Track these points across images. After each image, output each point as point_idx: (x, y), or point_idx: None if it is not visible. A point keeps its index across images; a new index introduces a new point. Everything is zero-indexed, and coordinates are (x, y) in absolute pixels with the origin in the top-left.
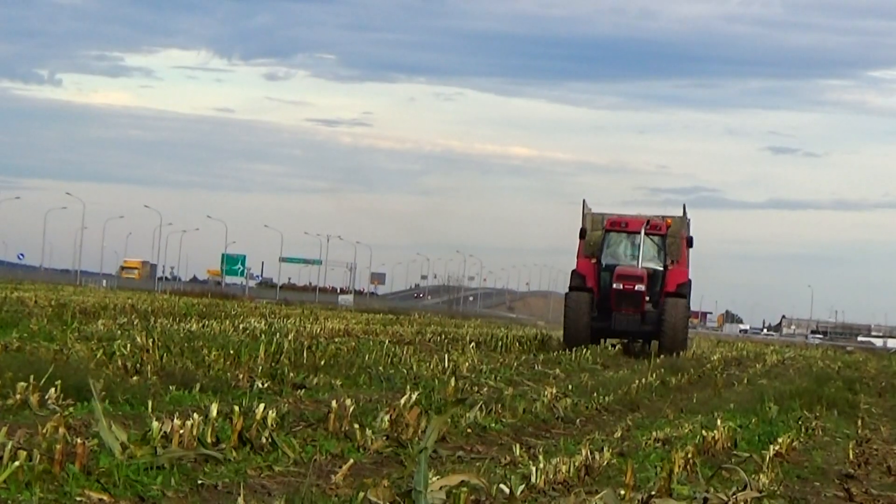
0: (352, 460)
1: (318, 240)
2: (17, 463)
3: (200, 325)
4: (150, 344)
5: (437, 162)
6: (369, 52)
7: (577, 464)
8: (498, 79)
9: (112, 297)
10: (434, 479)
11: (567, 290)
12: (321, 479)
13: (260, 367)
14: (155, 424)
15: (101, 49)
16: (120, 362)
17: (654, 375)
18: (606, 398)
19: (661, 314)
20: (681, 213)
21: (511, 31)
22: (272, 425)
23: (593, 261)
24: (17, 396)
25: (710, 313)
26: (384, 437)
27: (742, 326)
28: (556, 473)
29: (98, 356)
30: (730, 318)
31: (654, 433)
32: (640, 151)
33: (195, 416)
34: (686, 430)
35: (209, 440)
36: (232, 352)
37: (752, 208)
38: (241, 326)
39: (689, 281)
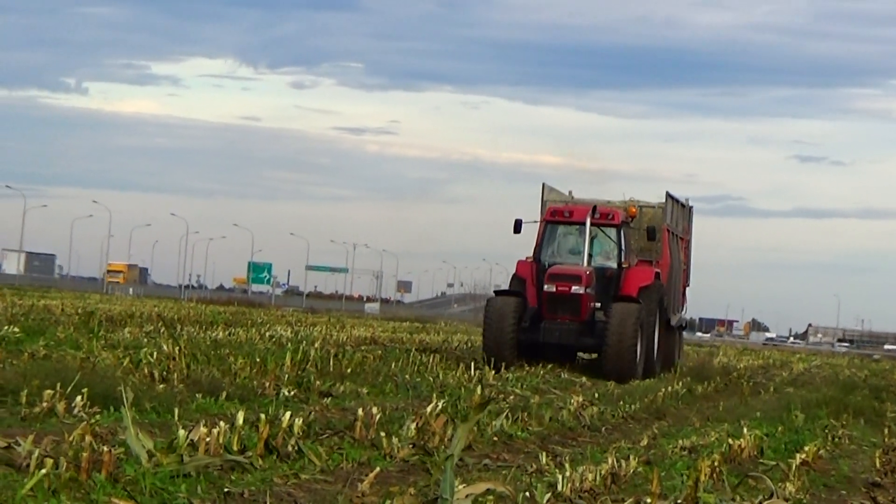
0: (378, 468)
1: (345, 248)
2: (43, 471)
3: (227, 333)
4: (177, 352)
5: (464, 170)
6: (395, 61)
7: (603, 472)
8: (524, 87)
9: (139, 306)
10: (460, 487)
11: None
12: (347, 487)
13: (286, 375)
14: (181, 432)
15: (127, 57)
16: (146, 370)
17: (680, 384)
18: (632, 406)
19: (605, 323)
20: (671, 202)
21: (537, 40)
22: (298, 433)
23: (529, 259)
24: (44, 404)
25: (737, 321)
26: (410, 446)
27: (768, 335)
28: (583, 481)
29: (125, 364)
30: (756, 326)
31: (680, 441)
32: (667, 160)
33: (221, 423)
34: (712, 439)
35: (235, 448)
36: (258, 360)
37: (779, 217)
38: (267, 334)
39: (658, 283)
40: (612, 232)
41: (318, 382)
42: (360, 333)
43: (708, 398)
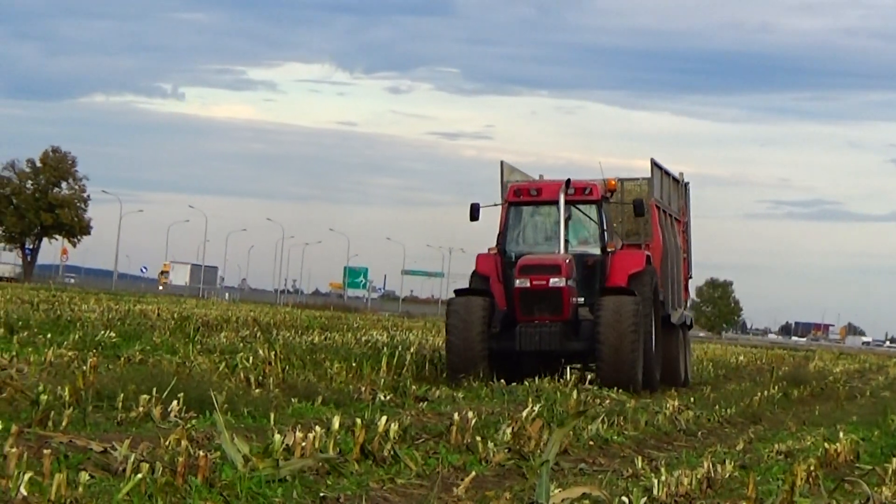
0: (474, 473)
1: (441, 252)
2: (139, 475)
3: (322, 337)
4: (273, 356)
5: (560, 175)
6: (491, 66)
7: (699, 476)
8: (619, 92)
9: (234, 310)
10: (556, 491)
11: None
12: (444, 491)
13: (382, 380)
14: (277, 437)
15: (223, 63)
16: (242, 375)
17: (776, 388)
18: (728, 410)
19: (595, 322)
20: (649, 175)
21: (631, 45)
22: (394, 438)
23: (492, 251)
24: (140, 409)
25: (833, 326)
26: (506, 450)
27: (864, 339)
28: (678, 486)
29: (220, 369)
30: (852, 330)
31: (776, 446)
32: (761, 164)
33: (317, 428)
34: (808, 443)
35: (331, 452)
36: (354, 364)
37: (875, 221)
38: (363, 339)
39: (650, 269)
40: (592, 210)
41: (413, 387)
42: None
43: (804, 402)
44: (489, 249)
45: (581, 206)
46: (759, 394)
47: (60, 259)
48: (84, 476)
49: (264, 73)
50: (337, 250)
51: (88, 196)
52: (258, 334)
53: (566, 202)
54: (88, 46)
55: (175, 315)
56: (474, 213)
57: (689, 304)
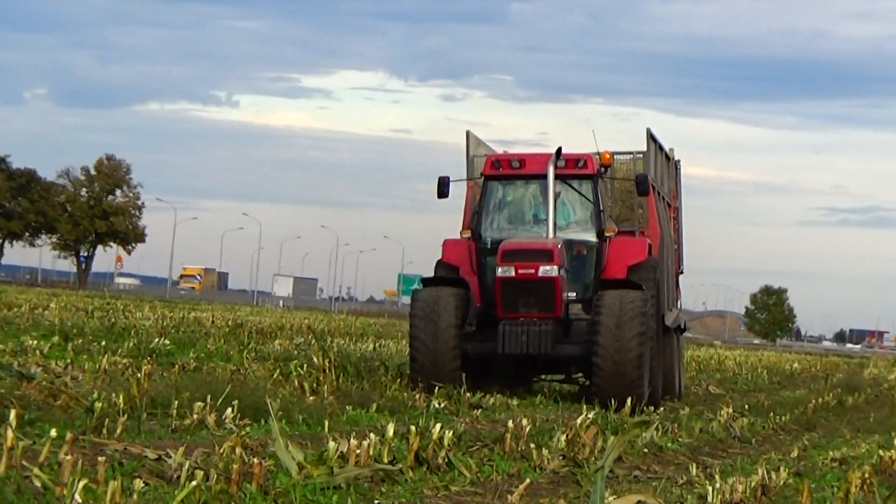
0: (528, 480)
1: None
2: (194, 483)
3: (377, 345)
4: (327, 364)
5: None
6: (545, 74)
7: (753, 484)
8: (674, 99)
9: (288, 318)
10: (610, 498)
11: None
12: (498, 499)
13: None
14: (331, 444)
15: (277, 71)
16: (296, 382)
17: (830, 395)
18: (783, 418)
19: (594, 321)
20: (644, 148)
21: (685, 53)
22: (449, 445)
23: (466, 235)
24: (195, 416)
25: (887, 332)
26: (560, 457)
27: None
28: (733, 493)
29: (275, 376)
30: None
31: (830, 453)
32: (816, 171)
33: (371, 435)
34: (863, 450)
35: (385, 460)
36: (408, 372)
37: None
38: None
39: (651, 261)
40: (586, 186)
41: (467, 394)
42: None
43: (858, 410)
44: (461, 234)
45: (572, 182)
46: (814, 401)
47: (115, 267)
48: (138, 483)
49: (319, 81)
50: (391, 257)
51: (143, 203)
52: (312, 342)
53: (556, 176)
54: (143, 55)
55: (229, 322)
56: (443, 188)
57: (681, 305)
